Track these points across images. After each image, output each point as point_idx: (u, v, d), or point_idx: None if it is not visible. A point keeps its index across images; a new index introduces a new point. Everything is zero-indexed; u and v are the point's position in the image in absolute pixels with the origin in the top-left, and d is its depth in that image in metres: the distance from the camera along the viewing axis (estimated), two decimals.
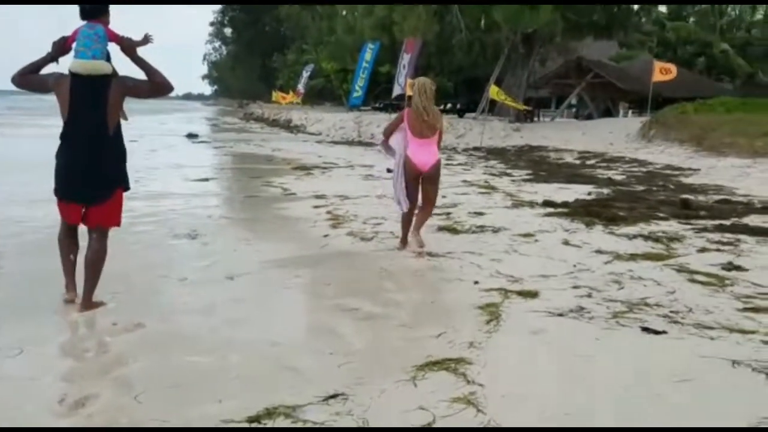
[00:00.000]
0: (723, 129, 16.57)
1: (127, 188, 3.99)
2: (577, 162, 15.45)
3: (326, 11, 53.65)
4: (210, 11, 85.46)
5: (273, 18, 76.46)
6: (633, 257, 5.27)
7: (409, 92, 22.80)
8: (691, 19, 50.81)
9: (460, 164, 14.89)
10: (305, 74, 50.05)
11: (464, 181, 10.82)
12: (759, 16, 50.65)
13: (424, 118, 5.46)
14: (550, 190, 9.73)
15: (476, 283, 4.58)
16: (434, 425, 2.53)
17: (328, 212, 7.65)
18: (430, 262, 5.27)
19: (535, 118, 29.25)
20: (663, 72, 19.59)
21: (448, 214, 7.37)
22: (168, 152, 16.45)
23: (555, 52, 32.49)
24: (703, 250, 5.53)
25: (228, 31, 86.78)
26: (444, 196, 8.85)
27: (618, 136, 20.35)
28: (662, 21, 48.56)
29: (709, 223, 6.80)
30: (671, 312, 3.85)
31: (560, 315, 3.86)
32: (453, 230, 6.44)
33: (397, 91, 30.89)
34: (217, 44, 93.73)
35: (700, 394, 2.77)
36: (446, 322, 3.76)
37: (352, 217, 7.31)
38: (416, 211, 5.72)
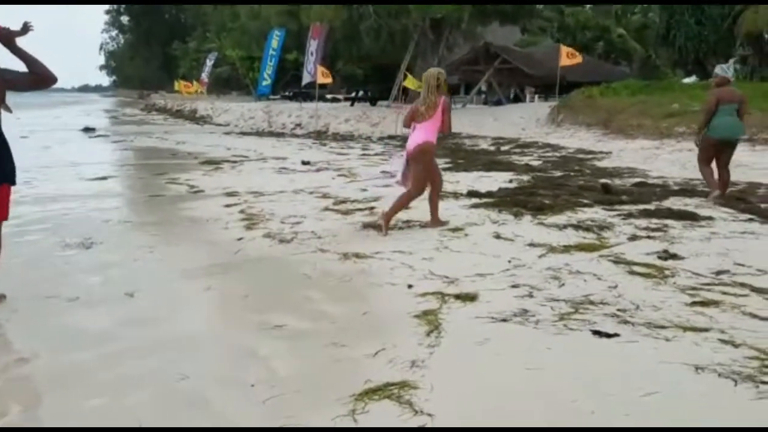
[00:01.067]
0: (629, 111, 17.07)
1: (12, 183, 3.82)
2: (493, 148, 15.44)
3: None
4: None
5: (172, 5, 73.43)
6: (567, 249, 5.07)
7: (322, 80, 22.23)
8: (588, 6, 52.57)
9: (377, 154, 14.53)
10: (209, 63, 48.30)
11: (384, 172, 10.44)
12: None
13: (419, 106, 5.91)
14: (472, 179, 9.53)
15: (410, 287, 4.22)
16: None
17: (242, 211, 7.07)
18: (357, 264, 4.85)
19: None
20: (569, 56, 19.98)
21: (372, 209, 6.97)
22: (62, 149, 15.17)
23: (461, 38, 32.72)
24: (634, 237, 5.40)
25: (125, 19, 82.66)
26: (365, 189, 8.49)
27: (529, 122, 20.61)
28: (560, 7, 50.04)
29: (633, 208, 6.76)
30: (619, 310, 3.62)
31: (504, 320, 3.55)
32: (378, 227, 6.01)
33: (307, 78, 30.20)
34: (114, 33, 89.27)
35: (671, 411, 2.50)
36: (383, 336, 3.37)
37: (268, 216, 6.78)
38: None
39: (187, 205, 7.57)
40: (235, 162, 12.37)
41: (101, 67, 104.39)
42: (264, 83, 37.22)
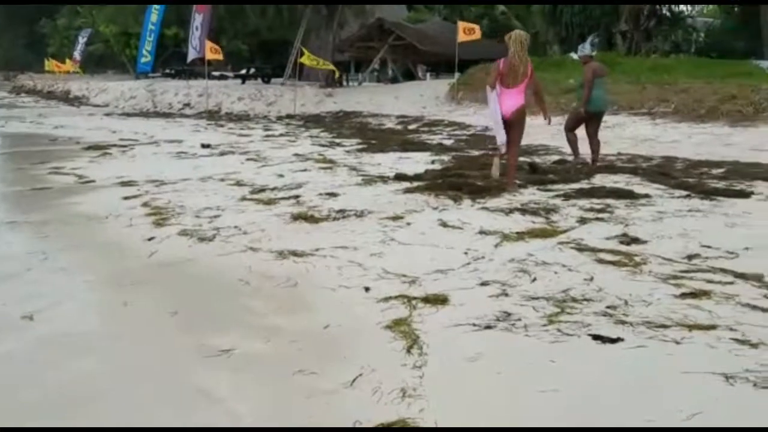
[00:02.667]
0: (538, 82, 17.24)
1: None
2: (400, 128, 15.09)
3: None
4: None
5: None
6: (521, 236, 4.73)
7: (211, 56, 20.75)
8: None
9: (282, 135, 13.72)
10: (81, 40, 44.66)
11: (297, 155, 9.77)
12: None
13: (515, 66, 6.15)
14: (392, 161, 9.08)
15: (367, 290, 3.70)
16: None
17: (145, 204, 6.21)
18: (298, 264, 4.26)
19: (344, 83, 28.65)
20: (467, 32, 19.87)
21: (297, 197, 6.33)
22: None
23: (352, 15, 32.09)
24: (583, 220, 5.16)
25: None
26: (281, 175, 7.82)
27: (428, 99, 20.44)
28: None
29: (566, 187, 6.60)
30: (608, 308, 3.29)
31: (488, 327, 3.13)
32: (311, 219, 5.44)
33: (192, 55, 28.47)
34: None
35: None
36: (355, 356, 2.84)
37: (178, 209, 5.98)
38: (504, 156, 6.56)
39: (78, 199, 6.57)
40: (124, 147, 11.20)
41: None
42: (143, 60, 34.75)
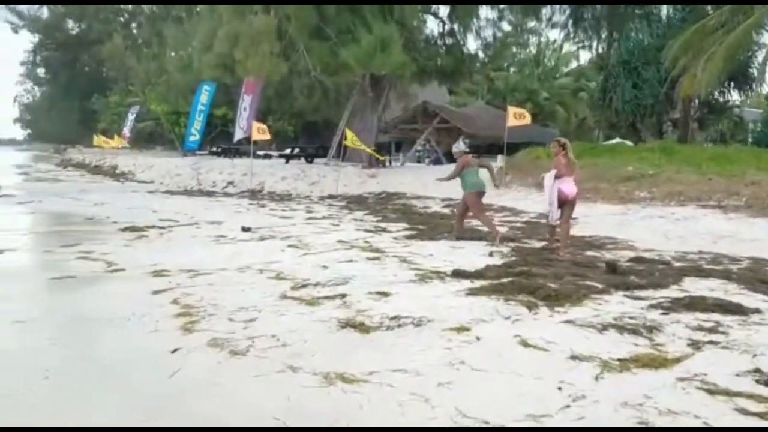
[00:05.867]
0: (581, 174, 16.44)
1: None
2: (446, 211, 14.36)
3: (152, 52, 50.20)
4: (21, 50, 77.83)
5: (92, 58, 70.86)
6: (625, 365, 3.81)
7: (257, 136, 20.79)
8: (512, 69, 53.80)
9: (325, 218, 13.12)
10: (131, 117, 46.23)
11: (341, 242, 9.06)
12: (573, 65, 54.96)
13: (572, 165, 8.24)
14: (444, 251, 8.30)
15: None
16: None
17: (175, 301, 5.50)
18: (347, 394, 3.42)
19: (387, 164, 28.41)
20: (517, 117, 19.41)
21: (344, 297, 5.53)
22: None
23: (395, 97, 32.28)
24: (695, 344, 4.21)
25: (41, 71, 79.14)
26: (325, 267, 7.07)
27: None
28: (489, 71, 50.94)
29: (657, 294, 5.68)
30: None
31: None
32: (361, 327, 4.62)
33: (239, 134, 28.78)
34: (29, 86, 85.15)
35: None
36: None
37: (211, 307, 5.25)
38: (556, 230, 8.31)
39: (102, 294, 5.88)
40: (162, 228, 10.68)
41: (15, 120, 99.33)
42: (192, 138, 35.45)
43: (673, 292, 5.80)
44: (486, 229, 9.77)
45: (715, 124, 31.35)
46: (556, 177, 8.03)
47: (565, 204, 8.06)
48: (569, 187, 8.05)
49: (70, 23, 72.65)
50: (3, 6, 64.29)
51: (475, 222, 10.44)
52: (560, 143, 8.35)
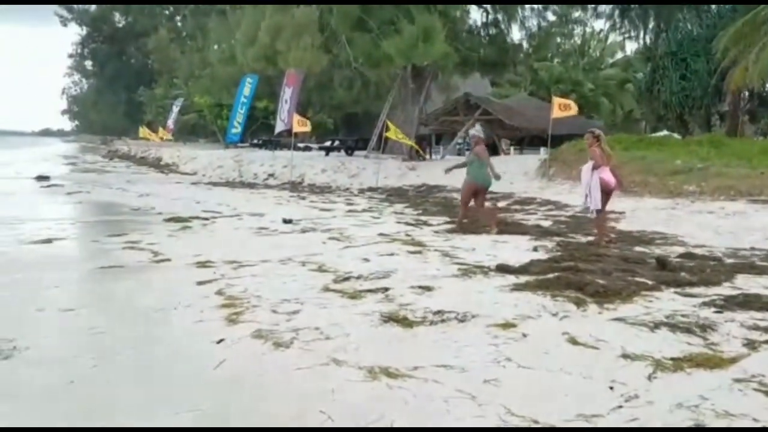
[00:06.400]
0: (628, 168, 15.98)
1: None
2: (488, 205, 14.18)
3: (196, 45, 51.02)
4: (69, 43, 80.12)
5: (138, 50, 72.37)
6: (678, 365, 3.68)
7: (298, 128, 20.92)
8: (556, 60, 52.89)
9: (365, 210, 13.12)
10: (175, 109, 46.98)
11: (382, 235, 9.03)
12: (618, 56, 53.73)
13: (609, 156, 8.33)
14: (487, 245, 8.18)
15: None
16: None
17: (219, 292, 5.55)
18: (392, 390, 3.38)
19: (427, 156, 28.26)
20: (562, 108, 19.06)
21: (386, 290, 5.49)
22: (5, 201, 13.39)
23: (436, 89, 32.03)
24: (752, 344, 4.04)
25: (89, 63, 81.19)
26: (367, 260, 7.05)
27: (516, 175, 19.47)
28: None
29: (709, 292, 5.47)
30: None
31: None
32: (404, 321, 4.57)
33: (280, 127, 28.95)
34: (77, 78, 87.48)
35: None
36: None
37: (255, 299, 5.27)
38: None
39: (149, 283, 5.99)
40: (206, 220, 10.82)
41: (63, 112, 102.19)
42: (234, 131, 35.86)
43: (725, 289, 5.59)
44: (489, 222, 9.78)
45: (765, 117, 30.32)
46: (594, 168, 8.14)
47: (608, 193, 8.26)
48: (609, 175, 8.18)
49: (117, 16, 74.29)
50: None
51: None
52: (594, 134, 8.40)
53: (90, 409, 3.17)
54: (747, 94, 25.31)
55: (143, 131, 43.15)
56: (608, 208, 8.83)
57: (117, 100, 73.26)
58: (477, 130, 10.12)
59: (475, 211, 9.95)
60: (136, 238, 8.50)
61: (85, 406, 3.20)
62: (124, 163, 35.15)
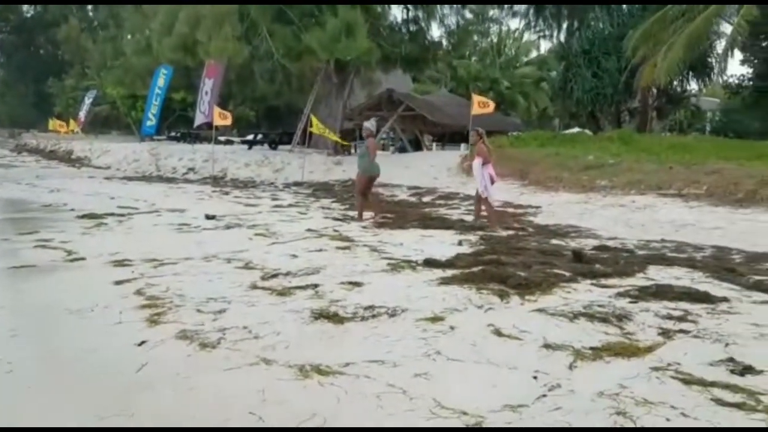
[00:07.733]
0: (544, 163, 16.65)
1: None
2: (414, 199, 14.38)
3: (109, 34, 48.80)
4: None
5: (48, 41, 68.64)
6: (598, 354, 3.85)
7: (219, 121, 20.44)
8: (474, 58, 54.00)
9: (291, 205, 12.98)
10: (87, 101, 44.97)
11: (309, 231, 8.96)
12: (533, 55, 55.40)
13: (491, 151, 9.78)
14: (414, 240, 8.28)
15: None
16: None
17: (139, 292, 5.35)
18: (324, 387, 3.36)
19: (352, 151, 28.24)
20: (481, 105, 19.48)
21: (316, 287, 5.46)
22: None
23: (359, 84, 32.04)
24: (666, 333, 4.27)
25: None
26: (295, 256, 6.99)
27: (440, 170, 19.87)
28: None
29: (623, 283, 5.78)
30: None
31: None
32: (335, 318, 4.56)
33: (200, 119, 28.27)
34: None
35: None
36: None
37: (177, 298, 5.12)
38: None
39: (63, 283, 5.70)
40: (122, 216, 10.41)
41: None
42: (149, 123, 34.67)
43: (639, 280, 5.90)
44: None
45: (673, 114, 32.07)
46: (484, 163, 9.36)
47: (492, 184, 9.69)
48: (493, 170, 9.67)
49: (25, 6, 70.32)
50: None
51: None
52: (478, 133, 9.65)
53: (9, 417, 2.98)
54: (655, 91, 26.65)
55: (53, 123, 41.02)
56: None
57: (25, 91, 69.29)
58: (371, 124, 10.71)
59: (377, 199, 10.70)
60: (48, 236, 8.07)
61: (3, 414, 3.02)
62: (33, 157, 33.25)
